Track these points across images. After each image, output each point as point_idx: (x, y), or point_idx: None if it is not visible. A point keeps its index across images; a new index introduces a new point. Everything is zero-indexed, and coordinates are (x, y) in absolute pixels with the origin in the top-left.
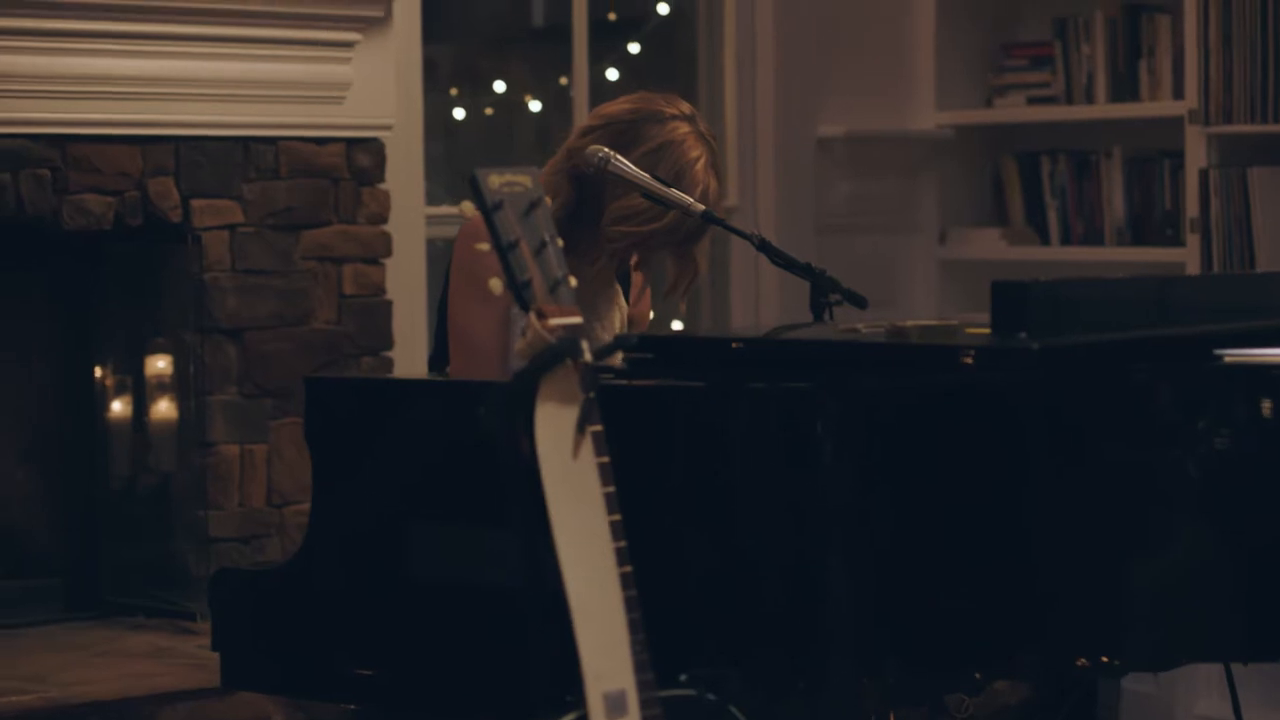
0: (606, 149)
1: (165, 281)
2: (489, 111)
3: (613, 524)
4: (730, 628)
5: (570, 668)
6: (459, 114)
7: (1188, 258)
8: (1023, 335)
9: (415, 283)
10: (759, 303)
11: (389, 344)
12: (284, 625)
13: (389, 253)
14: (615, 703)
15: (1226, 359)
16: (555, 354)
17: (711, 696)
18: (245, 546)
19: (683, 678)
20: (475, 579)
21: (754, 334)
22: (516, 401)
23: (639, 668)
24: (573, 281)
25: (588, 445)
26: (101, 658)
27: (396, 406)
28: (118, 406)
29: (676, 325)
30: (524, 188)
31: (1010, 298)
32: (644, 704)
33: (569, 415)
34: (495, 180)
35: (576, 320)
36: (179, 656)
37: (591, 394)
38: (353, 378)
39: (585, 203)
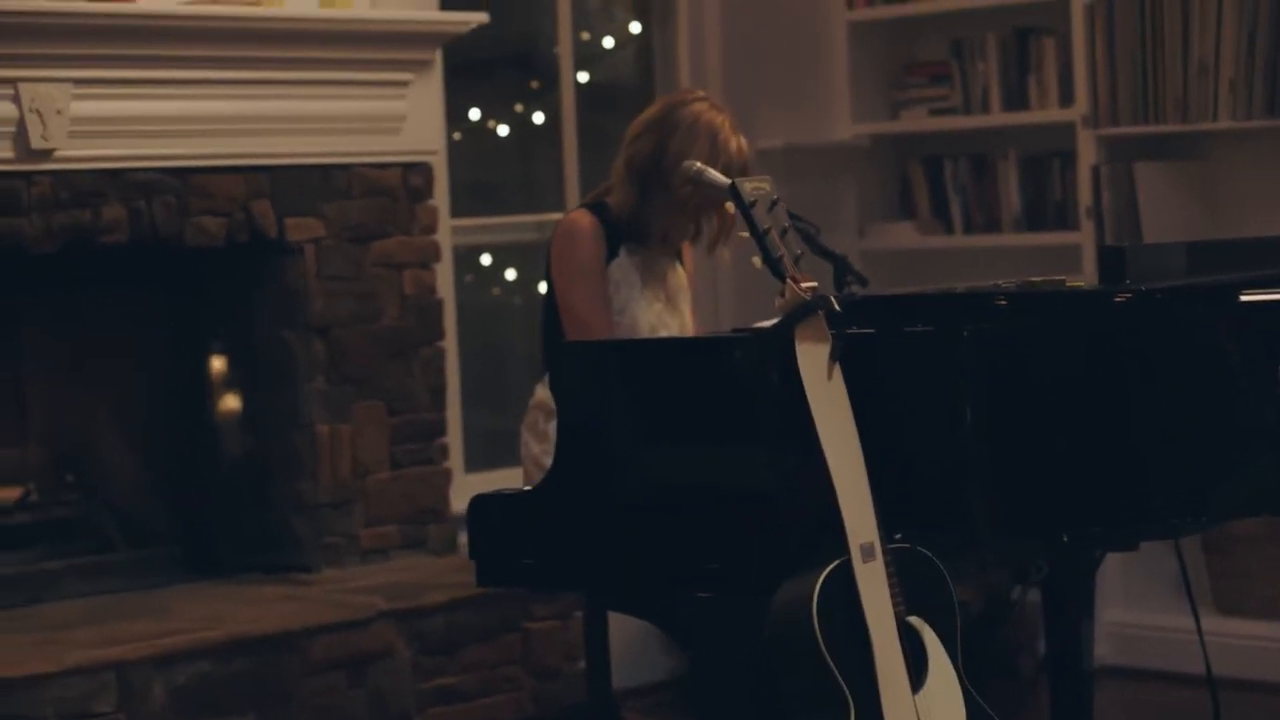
0: (698, 164)
1: (262, 289)
2: (456, 136)
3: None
4: (909, 504)
5: (813, 541)
6: None
7: (1083, 240)
8: (1127, 282)
9: (447, 282)
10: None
11: (441, 336)
12: (534, 534)
13: (438, 258)
14: (868, 551)
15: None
16: (810, 307)
17: (924, 551)
18: (335, 511)
19: (898, 536)
20: (714, 486)
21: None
22: (776, 343)
23: (879, 526)
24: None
25: (836, 370)
26: (247, 604)
27: (634, 362)
28: (217, 397)
29: None
30: (766, 190)
31: (1113, 258)
32: (884, 553)
33: (823, 349)
34: (748, 186)
35: (815, 283)
36: (311, 600)
37: (839, 334)
38: (593, 341)
39: (646, 199)
